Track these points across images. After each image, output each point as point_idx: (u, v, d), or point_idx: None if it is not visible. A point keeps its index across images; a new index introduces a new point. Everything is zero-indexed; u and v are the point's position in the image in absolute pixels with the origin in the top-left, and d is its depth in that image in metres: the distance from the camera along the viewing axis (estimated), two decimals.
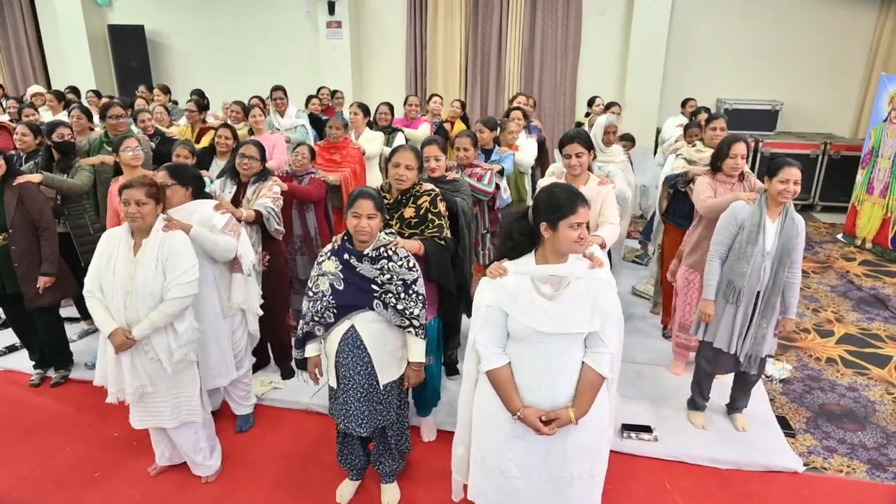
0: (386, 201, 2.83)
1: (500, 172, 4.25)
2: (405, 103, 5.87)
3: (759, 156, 7.41)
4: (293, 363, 2.69)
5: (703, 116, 5.08)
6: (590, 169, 3.27)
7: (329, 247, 2.53)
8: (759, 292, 2.90)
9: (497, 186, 3.90)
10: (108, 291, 2.55)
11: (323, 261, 2.50)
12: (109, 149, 4.18)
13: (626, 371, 3.75)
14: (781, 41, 7.88)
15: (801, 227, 2.88)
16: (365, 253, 2.44)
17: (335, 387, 2.55)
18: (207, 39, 9.60)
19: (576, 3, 8.15)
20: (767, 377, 3.76)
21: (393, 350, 2.53)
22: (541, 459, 1.99)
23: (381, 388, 2.52)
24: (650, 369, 3.84)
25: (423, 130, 5.58)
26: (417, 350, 2.53)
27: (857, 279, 5.48)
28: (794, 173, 2.77)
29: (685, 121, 5.90)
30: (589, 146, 3.15)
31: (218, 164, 4.09)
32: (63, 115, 5.72)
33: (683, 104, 6.48)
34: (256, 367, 3.66)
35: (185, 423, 2.74)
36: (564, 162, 3.16)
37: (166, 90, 7.16)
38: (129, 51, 9.32)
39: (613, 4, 8.10)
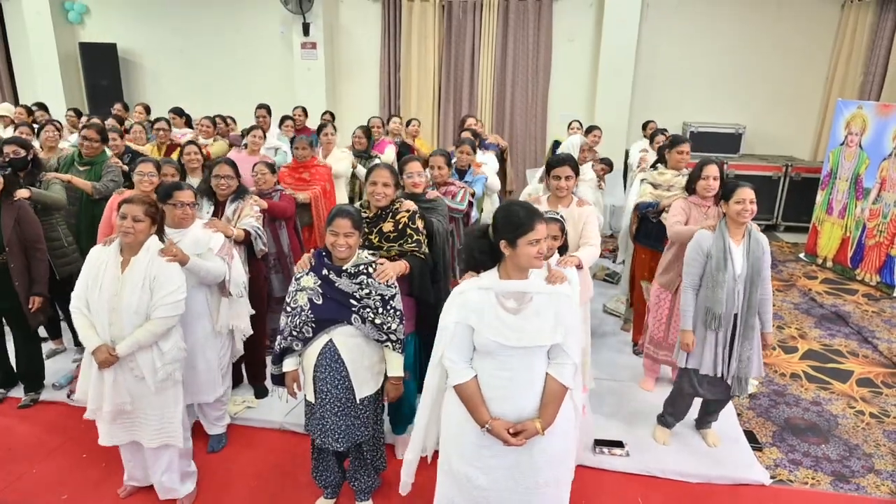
0: (365, 216, 2.88)
1: (472, 194, 4.34)
2: (367, 127, 5.90)
3: (724, 178, 7.61)
4: (270, 379, 2.69)
5: (660, 138, 5.27)
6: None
7: (300, 269, 2.56)
8: (736, 315, 2.98)
9: (470, 204, 3.98)
10: (93, 308, 2.55)
11: (301, 276, 2.52)
12: (81, 168, 4.14)
13: (597, 387, 3.82)
14: (744, 67, 8.20)
15: (765, 246, 2.99)
16: (344, 268, 2.47)
17: (312, 401, 2.55)
18: (180, 58, 9.57)
19: (546, 30, 8.37)
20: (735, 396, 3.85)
21: (370, 364, 2.56)
22: (507, 469, 2.04)
23: (358, 402, 2.54)
24: (621, 385, 3.91)
25: (389, 153, 5.61)
26: (396, 364, 2.57)
27: (819, 297, 5.66)
28: (748, 192, 2.88)
29: (646, 146, 6.14)
30: (576, 170, 3.24)
31: (190, 181, 4.08)
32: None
33: (644, 126, 6.70)
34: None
35: (165, 443, 2.71)
36: (553, 184, 3.21)
37: (147, 109, 7.12)
38: (101, 69, 9.22)
39: (582, 31, 8.35)
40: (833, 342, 4.71)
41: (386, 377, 2.61)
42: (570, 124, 6.73)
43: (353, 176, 5.22)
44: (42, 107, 7.00)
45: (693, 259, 3.02)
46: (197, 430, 3.31)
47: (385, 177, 2.86)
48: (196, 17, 9.35)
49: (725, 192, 2.97)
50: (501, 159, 6.01)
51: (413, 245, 2.83)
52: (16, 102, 9.59)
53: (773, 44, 8.07)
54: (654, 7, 8.11)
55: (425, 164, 3.63)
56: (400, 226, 2.85)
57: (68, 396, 3.69)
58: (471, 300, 2.01)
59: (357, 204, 3.00)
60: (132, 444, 2.74)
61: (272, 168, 3.97)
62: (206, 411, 3.21)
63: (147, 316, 2.54)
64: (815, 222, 6.68)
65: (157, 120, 5.64)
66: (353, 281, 2.47)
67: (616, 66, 8.05)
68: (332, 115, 7.27)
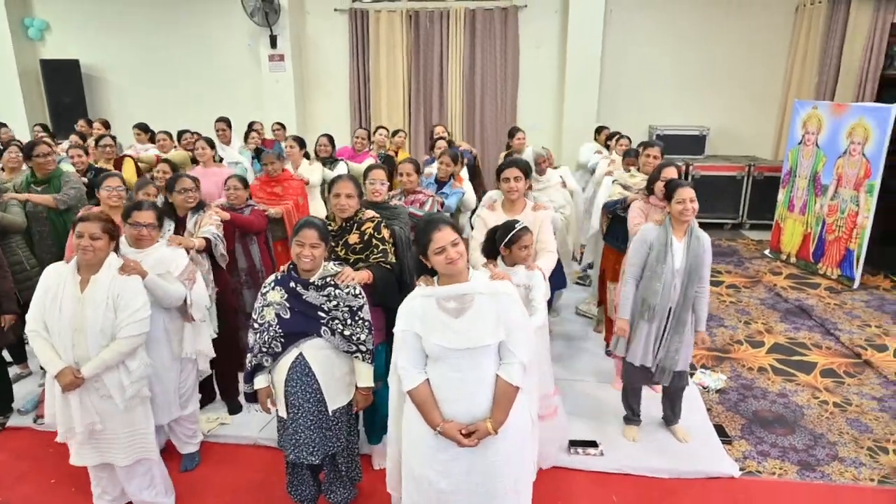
0: (330, 229, 2.88)
1: (442, 205, 4.34)
2: (353, 136, 5.93)
3: (690, 178, 7.81)
4: (242, 397, 2.66)
5: (623, 142, 5.44)
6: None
7: (272, 277, 2.56)
8: (670, 308, 3.09)
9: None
10: (53, 329, 2.48)
11: (267, 291, 2.52)
12: (38, 189, 4.07)
13: (571, 388, 3.88)
14: (707, 69, 8.41)
15: (706, 245, 3.08)
16: (311, 281, 2.48)
17: (284, 416, 2.54)
18: (146, 73, 9.44)
19: (513, 37, 8.48)
20: (704, 388, 3.94)
21: (341, 376, 2.57)
22: (464, 471, 2.07)
23: (331, 414, 2.54)
24: (594, 386, 3.97)
25: (367, 165, 5.60)
26: (365, 375, 2.58)
27: (784, 292, 5.82)
28: (688, 192, 3.00)
29: (600, 147, 6.29)
30: (526, 172, 3.30)
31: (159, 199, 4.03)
32: None
33: (598, 131, 6.82)
34: (202, 403, 3.55)
35: (138, 460, 2.67)
36: (503, 186, 3.30)
37: (106, 124, 7.02)
38: (63, 86, 9.05)
39: (548, 38, 8.48)
40: (798, 335, 4.84)
41: (356, 387, 2.61)
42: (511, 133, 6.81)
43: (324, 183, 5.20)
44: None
45: (636, 250, 3.13)
46: (169, 449, 3.27)
47: (348, 188, 2.88)
48: (161, 32, 9.24)
49: (668, 192, 3.07)
50: (474, 167, 6.04)
51: (379, 255, 2.85)
52: None
53: (734, 46, 8.30)
54: (617, 13, 8.27)
55: (389, 174, 3.65)
56: (366, 237, 2.87)
57: (34, 421, 3.61)
58: (415, 308, 2.07)
59: (324, 216, 3.01)
60: (103, 464, 2.69)
61: (244, 183, 3.94)
62: (175, 430, 3.16)
63: (112, 336, 2.50)
64: (778, 219, 6.87)
65: (102, 136, 5.55)
66: (321, 293, 2.48)
67: (582, 71, 8.18)
68: (282, 125, 7.25)
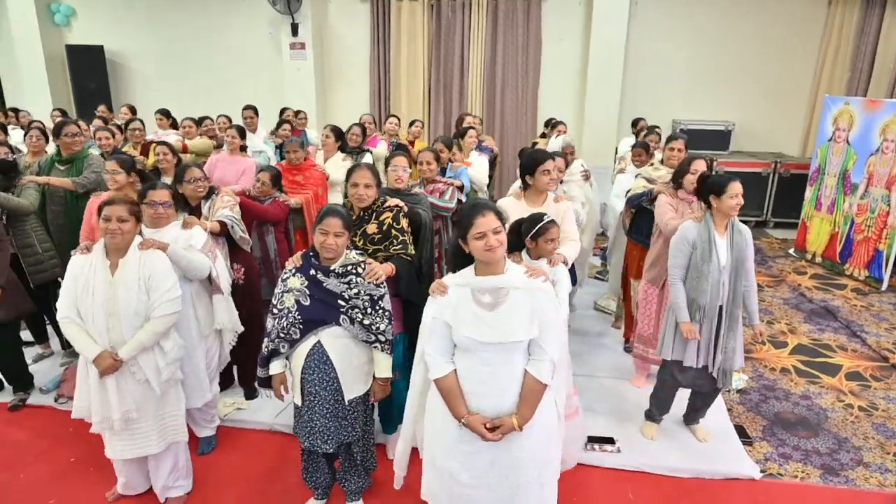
0: None
1: (461, 188, 4.32)
2: (362, 123, 5.89)
3: (714, 174, 7.66)
4: (256, 382, 2.66)
5: (652, 138, 5.29)
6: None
7: (291, 264, 2.54)
8: (720, 306, 2.99)
9: (459, 202, 3.96)
10: (87, 315, 2.49)
11: (288, 277, 2.51)
12: (61, 168, 4.10)
13: (589, 385, 3.83)
14: (733, 64, 8.24)
15: (748, 237, 3.00)
16: (332, 269, 2.46)
17: (300, 404, 2.53)
18: (169, 60, 9.52)
19: (535, 29, 8.38)
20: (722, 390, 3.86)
21: (359, 365, 2.54)
22: (487, 465, 2.03)
23: (347, 403, 2.53)
24: (612, 382, 3.91)
25: (382, 148, 5.65)
26: (384, 365, 2.55)
27: (809, 292, 5.69)
28: (739, 187, 2.92)
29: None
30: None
31: (165, 181, 4.07)
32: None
33: (634, 124, 6.69)
34: (220, 388, 3.58)
35: (170, 443, 2.70)
36: (543, 179, 3.19)
37: (133, 110, 7.09)
38: (88, 72, 9.16)
39: (571, 30, 8.36)
40: (822, 337, 4.74)
41: (374, 377, 2.59)
42: (548, 122, 6.76)
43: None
44: (14, 111, 6.98)
45: (678, 250, 3.03)
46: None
47: (366, 178, 2.85)
48: (184, 19, 9.30)
49: (717, 186, 2.96)
50: (492, 165, 5.98)
51: (399, 247, 2.82)
52: (2, 105, 9.52)
53: (762, 41, 8.11)
54: (642, 5, 8.13)
55: (411, 161, 3.62)
56: (384, 227, 2.84)
57: (56, 400, 3.66)
58: (447, 297, 2.04)
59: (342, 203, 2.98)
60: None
61: (275, 180, 3.96)
62: (194, 414, 3.18)
63: (146, 317, 2.51)
64: (805, 218, 6.72)
65: (131, 121, 5.60)
66: (342, 281, 2.46)
67: (605, 65, 8.06)
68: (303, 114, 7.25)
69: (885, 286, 5.68)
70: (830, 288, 5.81)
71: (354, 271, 2.47)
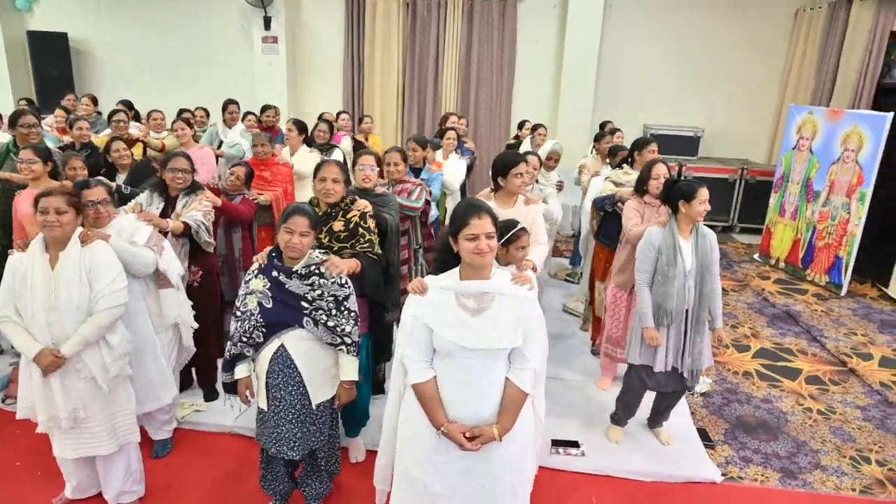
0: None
1: (430, 192, 4.28)
2: (319, 118, 5.80)
3: (682, 179, 7.77)
4: (221, 387, 2.57)
5: (614, 137, 5.33)
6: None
7: (256, 264, 2.47)
8: (687, 310, 3.01)
9: (427, 202, 3.91)
10: (26, 312, 2.38)
11: (250, 279, 2.44)
12: (16, 159, 3.93)
13: (554, 387, 3.82)
14: (704, 71, 8.37)
15: (713, 241, 3.03)
16: (295, 269, 2.39)
17: (265, 409, 2.46)
18: (136, 50, 9.25)
19: (510, 29, 8.38)
20: (689, 391, 3.90)
21: (325, 368, 2.49)
22: (461, 474, 1.98)
23: (314, 408, 2.46)
24: (578, 385, 3.92)
25: (346, 144, 5.61)
26: (350, 368, 2.49)
27: (772, 297, 5.80)
28: (706, 192, 2.95)
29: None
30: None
31: (120, 177, 3.96)
32: None
33: (601, 126, 6.72)
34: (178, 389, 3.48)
35: (122, 444, 2.59)
36: (515, 182, 3.17)
37: (94, 100, 6.86)
38: (51, 59, 8.84)
39: (546, 32, 8.39)
40: (784, 341, 4.83)
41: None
42: (521, 124, 6.77)
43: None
44: None
45: (644, 256, 3.04)
46: (141, 434, 3.18)
47: (335, 172, 2.79)
48: (153, 8, 9.04)
49: (686, 192, 2.97)
50: (470, 169, 5.96)
51: (366, 245, 2.77)
52: None
53: (732, 49, 8.26)
54: (616, 9, 8.20)
55: (378, 159, 3.57)
56: (351, 225, 2.78)
57: (2, 401, 3.51)
58: (429, 299, 1.97)
59: (308, 200, 2.92)
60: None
61: (248, 176, 3.89)
62: (152, 415, 3.05)
63: (89, 311, 2.40)
64: (769, 224, 6.85)
65: (115, 112, 5.39)
66: (304, 282, 2.40)
67: (579, 67, 8.11)
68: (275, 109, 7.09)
69: (844, 292, 5.83)
70: (792, 293, 5.93)
71: (317, 272, 2.41)
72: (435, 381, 1.96)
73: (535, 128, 6.16)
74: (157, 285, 2.86)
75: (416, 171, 4.40)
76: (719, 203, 7.85)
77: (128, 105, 6.34)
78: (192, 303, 3.09)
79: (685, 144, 8.14)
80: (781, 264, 6.62)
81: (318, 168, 2.85)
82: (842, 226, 5.84)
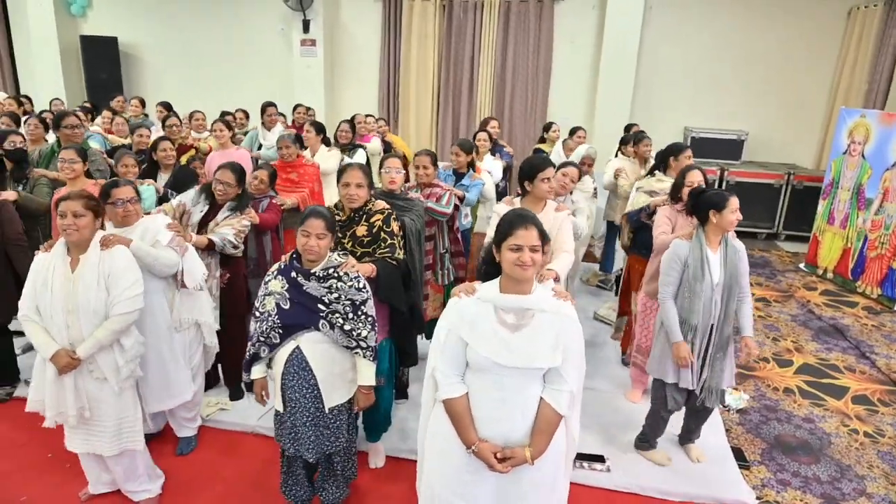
0: (338, 219, 2.79)
1: (461, 199, 4.22)
2: (352, 120, 5.84)
3: (724, 184, 7.53)
4: (243, 385, 2.59)
5: (646, 142, 5.14)
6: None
7: (276, 266, 2.47)
8: (712, 325, 2.87)
9: (456, 207, 3.86)
10: (46, 312, 2.43)
11: (270, 280, 2.44)
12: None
13: (582, 397, 3.70)
14: (747, 73, 8.08)
15: (742, 253, 2.88)
16: (313, 272, 2.38)
17: (282, 410, 2.46)
18: (181, 54, 9.52)
19: (547, 30, 8.27)
20: (724, 407, 3.74)
21: (341, 372, 2.46)
22: (490, 496, 1.91)
23: (328, 411, 2.44)
24: (607, 396, 3.80)
25: (375, 144, 5.64)
26: (367, 373, 2.46)
27: (818, 308, 5.53)
28: (737, 201, 2.81)
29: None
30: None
31: (162, 177, 4.02)
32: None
33: (627, 129, 6.52)
34: (205, 388, 3.51)
35: (123, 449, 2.62)
36: (542, 187, 3.07)
37: (142, 102, 7.07)
38: (101, 62, 9.19)
39: (584, 32, 8.25)
40: (830, 356, 4.58)
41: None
42: (546, 126, 6.62)
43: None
44: (27, 99, 6.97)
45: (670, 268, 2.90)
46: (166, 431, 3.23)
47: (358, 177, 2.77)
48: (197, 13, 9.30)
49: (717, 201, 2.83)
50: (507, 174, 5.89)
51: (386, 250, 2.73)
52: (17, 93, 9.57)
53: (778, 49, 7.95)
54: (656, 10, 7.99)
55: (405, 162, 3.56)
56: (374, 229, 2.76)
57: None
58: (466, 311, 1.89)
59: (332, 205, 2.91)
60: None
61: (272, 178, 3.91)
62: (175, 412, 3.11)
63: (105, 314, 2.44)
64: (816, 232, 6.55)
65: (168, 117, 5.43)
66: (322, 285, 2.38)
67: (617, 69, 7.94)
68: (307, 108, 7.15)
69: None
70: (841, 305, 5.64)
71: (336, 274, 2.39)
72: (467, 398, 1.89)
73: (573, 131, 6.04)
74: (178, 285, 2.89)
75: (460, 176, 4.35)
76: (764, 210, 7.57)
77: (166, 107, 6.50)
78: (216, 304, 3.11)
79: (728, 148, 7.86)
80: (829, 275, 6.31)
81: (341, 172, 2.84)
82: None
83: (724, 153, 7.82)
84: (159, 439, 3.21)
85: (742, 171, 7.57)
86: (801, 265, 6.73)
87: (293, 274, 2.39)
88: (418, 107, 8.75)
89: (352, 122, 5.56)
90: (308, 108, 7.02)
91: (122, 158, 3.65)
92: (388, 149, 5.88)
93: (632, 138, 5.36)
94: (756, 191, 7.50)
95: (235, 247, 3.30)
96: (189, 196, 3.39)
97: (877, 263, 5.73)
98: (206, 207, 3.38)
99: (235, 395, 3.60)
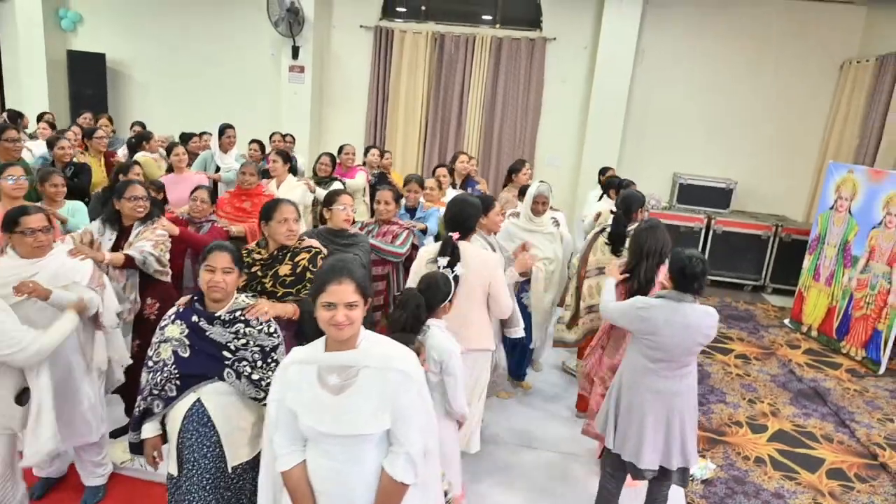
0: (259, 257, 2.58)
1: (424, 231, 4.05)
2: (339, 152, 5.66)
3: (710, 233, 7.35)
4: (128, 448, 2.32)
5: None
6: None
7: (173, 309, 2.23)
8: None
9: (413, 246, 3.65)
10: None
11: (166, 325, 2.19)
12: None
13: (547, 461, 3.44)
14: (739, 121, 7.98)
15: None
16: (217, 315, 2.15)
17: (176, 474, 2.19)
18: (169, 72, 9.42)
19: (538, 69, 8.19)
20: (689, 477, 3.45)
21: (246, 426, 2.20)
22: None
23: (230, 471, 2.18)
24: (559, 459, 3.52)
25: (360, 179, 5.42)
26: None
27: (799, 369, 5.27)
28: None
29: (600, 192, 5.81)
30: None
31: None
32: None
33: (602, 172, 6.33)
34: (119, 433, 3.24)
35: None
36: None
37: (110, 120, 6.93)
38: (87, 78, 9.08)
39: (575, 72, 8.17)
40: (807, 423, 4.31)
41: None
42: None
43: (315, 203, 4.94)
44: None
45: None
46: (71, 479, 2.96)
47: (291, 212, 2.57)
48: (188, 33, 9.23)
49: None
50: None
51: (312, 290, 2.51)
52: (2, 106, 9.46)
53: (772, 100, 7.86)
54: (649, 54, 7.93)
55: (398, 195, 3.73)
56: (299, 269, 2.55)
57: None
58: (290, 376, 1.70)
59: (254, 243, 2.70)
60: None
61: (212, 197, 3.73)
62: (81, 455, 2.83)
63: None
64: (802, 287, 6.32)
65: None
66: (228, 329, 2.14)
67: (607, 111, 7.84)
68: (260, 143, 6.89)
69: (882, 369, 5.25)
70: (823, 367, 5.39)
71: (243, 318, 2.16)
72: (303, 468, 1.69)
73: (515, 168, 5.68)
74: (93, 325, 2.65)
75: (412, 211, 4.23)
76: (751, 261, 7.37)
77: (142, 126, 6.35)
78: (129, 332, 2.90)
79: (716, 196, 7.69)
80: (814, 333, 6.07)
81: (273, 209, 2.63)
82: (882, 296, 5.30)
83: (712, 201, 7.65)
84: (62, 486, 2.93)
85: (730, 221, 7.39)
86: (786, 321, 6.49)
87: (194, 318, 2.15)
88: (405, 139, 8.63)
89: (332, 155, 5.37)
90: (285, 136, 6.85)
91: (50, 177, 3.43)
92: (382, 180, 5.70)
93: (619, 182, 5.19)
94: (743, 241, 7.32)
95: (161, 263, 3.05)
96: (94, 226, 3.13)
97: (861, 324, 5.50)
98: (115, 234, 3.11)
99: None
